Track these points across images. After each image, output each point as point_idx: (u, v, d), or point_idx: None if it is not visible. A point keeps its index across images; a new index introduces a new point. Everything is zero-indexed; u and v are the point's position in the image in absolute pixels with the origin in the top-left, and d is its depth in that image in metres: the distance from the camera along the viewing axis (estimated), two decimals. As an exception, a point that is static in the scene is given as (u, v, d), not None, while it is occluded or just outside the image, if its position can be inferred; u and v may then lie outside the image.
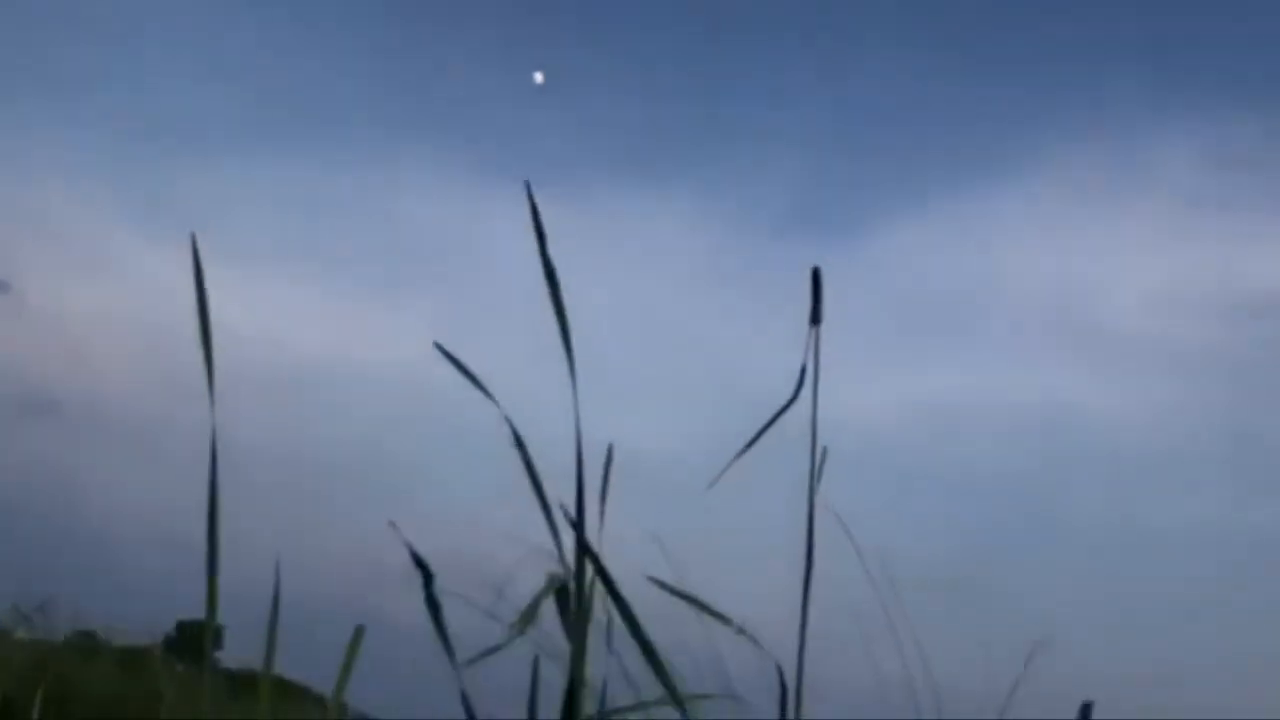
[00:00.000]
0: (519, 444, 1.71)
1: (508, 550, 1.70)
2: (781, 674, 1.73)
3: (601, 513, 1.72)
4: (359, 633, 1.61)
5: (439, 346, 1.79)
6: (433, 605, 1.50)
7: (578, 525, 1.59)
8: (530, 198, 1.67)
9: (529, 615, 1.52)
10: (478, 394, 1.73)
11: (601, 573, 1.59)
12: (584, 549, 1.57)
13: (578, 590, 1.60)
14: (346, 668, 1.61)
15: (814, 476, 1.81)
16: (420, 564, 1.49)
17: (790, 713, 1.71)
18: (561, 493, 1.68)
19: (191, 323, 1.69)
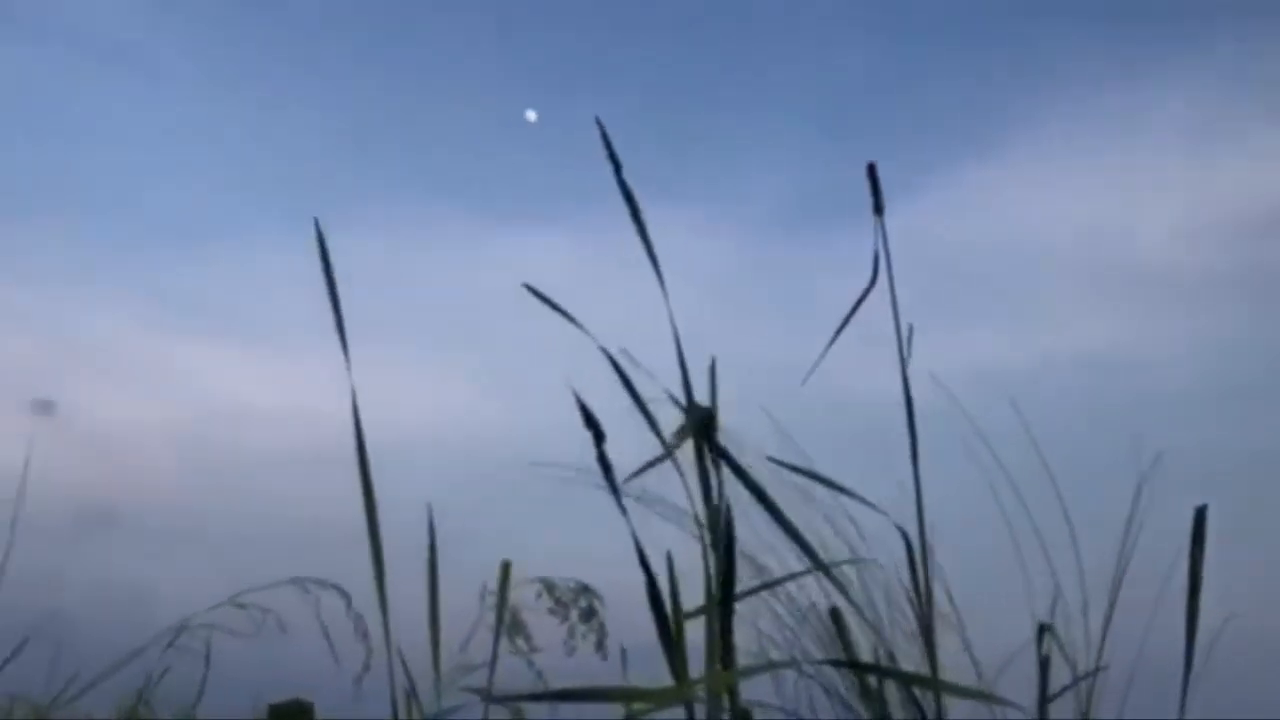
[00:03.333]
0: (618, 369, 1.78)
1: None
2: (905, 535, 1.84)
3: (714, 415, 1.82)
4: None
5: (529, 287, 1.83)
6: (604, 464, 1.60)
7: (689, 408, 1.68)
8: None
9: (683, 434, 1.61)
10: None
11: (722, 453, 1.69)
12: (701, 430, 1.67)
13: (701, 474, 1.70)
14: None
15: (904, 351, 1.94)
16: (592, 423, 1.59)
17: (920, 570, 1.82)
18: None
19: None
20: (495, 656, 1.94)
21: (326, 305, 1.72)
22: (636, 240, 1.84)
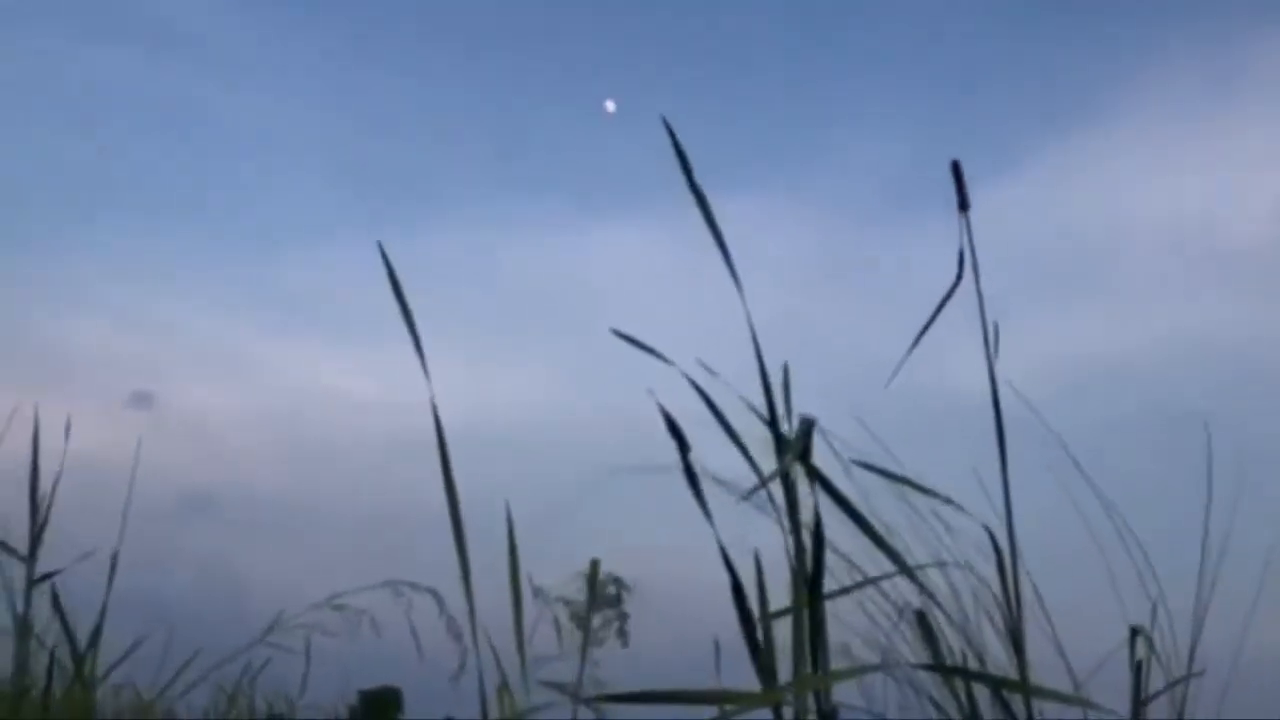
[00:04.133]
0: (702, 394, 1.78)
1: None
2: (994, 538, 1.82)
3: (789, 418, 1.82)
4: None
5: (617, 331, 1.84)
6: (690, 474, 1.61)
7: (771, 422, 1.69)
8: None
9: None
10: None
11: (816, 473, 1.69)
12: (781, 438, 1.68)
13: (785, 480, 1.71)
14: None
15: (990, 350, 1.91)
16: (677, 433, 1.61)
17: (1009, 572, 1.80)
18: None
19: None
20: (585, 656, 1.97)
21: (401, 316, 1.76)
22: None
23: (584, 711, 1.91)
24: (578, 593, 2.17)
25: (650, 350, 1.82)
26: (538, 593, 2.14)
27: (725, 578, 1.78)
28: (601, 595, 2.16)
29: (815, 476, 1.74)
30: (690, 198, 1.87)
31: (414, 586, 1.99)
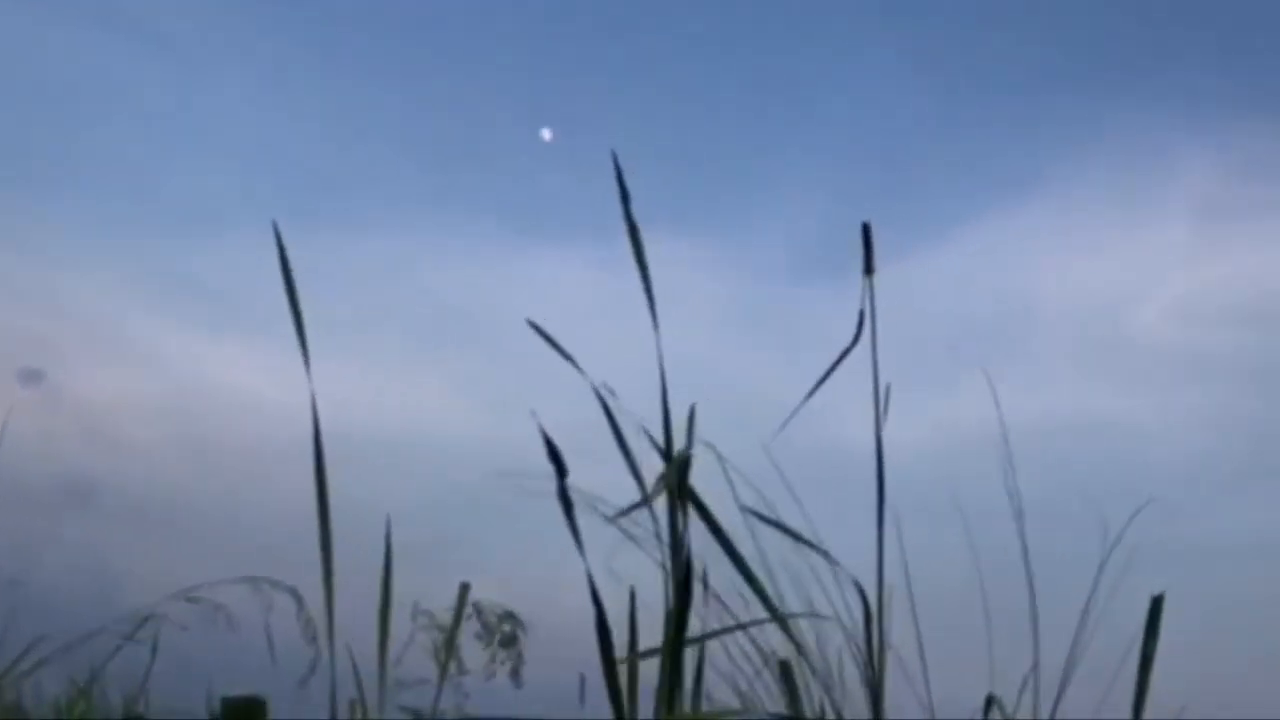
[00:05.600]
0: (606, 410, 1.79)
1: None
2: (863, 592, 1.85)
3: (688, 466, 1.82)
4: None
5: (532, 323, 1.85)
6: (565, 500, 1.60)
7: (667, 454, 1.70)
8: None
9: (658, 489, 1.62)
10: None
11: (693, 498, 1.70)
12: (677, 477, 1.68)
13: (671, 517, 1.71)
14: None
15: (879, 411, 1.95)
16: (556, 457, 1.60)
17: (874, 628, 1.83)
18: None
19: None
20: (443, 679, 1.94)
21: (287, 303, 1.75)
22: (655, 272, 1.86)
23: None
24: (466, 620, 2.15)
25: (560, 350, 1.81)
26: (416, 615, 2.11)
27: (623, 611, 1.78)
28: (498, 633, 2.14)
29: (697, 508, 1.74)
30: (623, 229, 1.87)
31: (274, 584, 1.95)
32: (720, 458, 1.89)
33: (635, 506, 1.58)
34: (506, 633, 2.14)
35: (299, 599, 1.94)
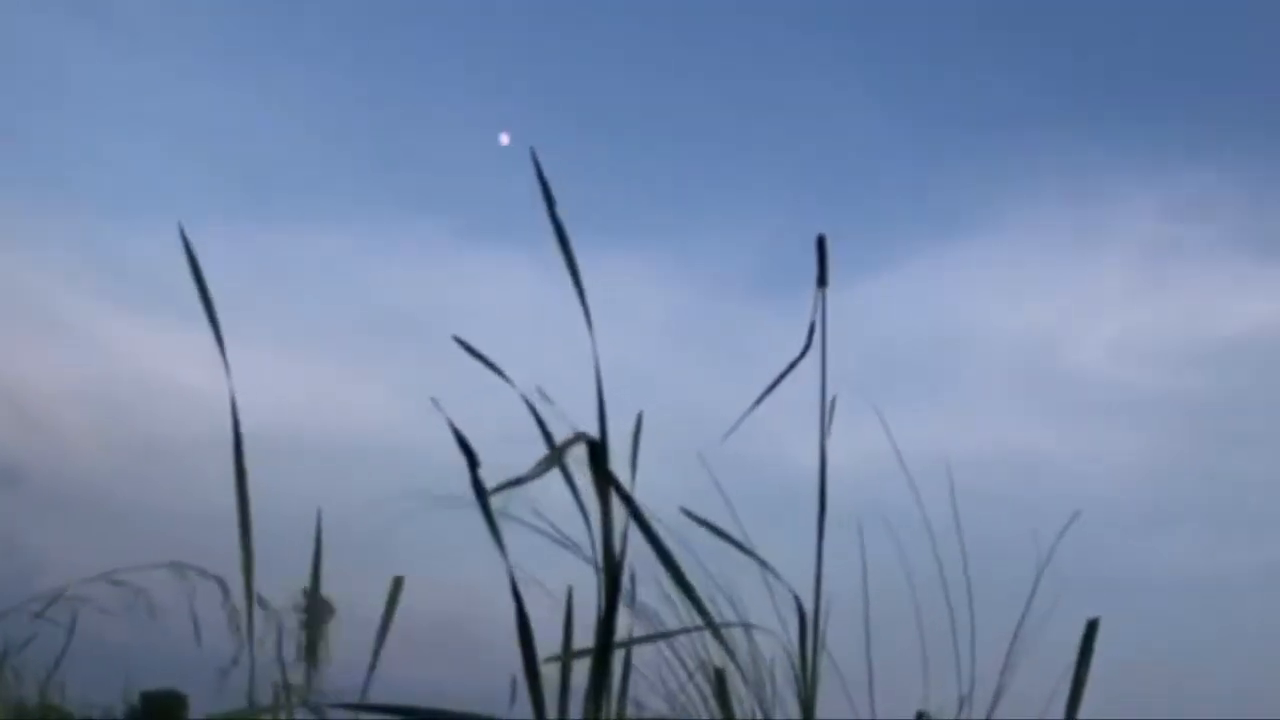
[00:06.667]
0: (535, 415, 1.76)
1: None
2: (800, 605, 1.84)
3: (633, 476, 1.80)
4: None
5: (458, 339, 1.82)
6: (479, 490, 1.56)
7: (599, 455, 1.65)
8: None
9: (554, 459, 1.58)
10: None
11: (628, 500, 1.67)
12: (606, 478, 1.64)
13: (604, 521, 1.68)
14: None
15: (824, 423, 1.95)
16: (465, 448, 1.56)
17: (809, 640, 1.82)
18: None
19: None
20: (374, 666, 1.90)
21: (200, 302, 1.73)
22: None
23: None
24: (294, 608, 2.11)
25: (489, 363, 1.79)
26: (264, 604, 2.07)
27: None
28: (302, 614, 2.10)
29: (616, 490, 1.71)
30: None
31: (202, 572, 1.91)
32: (661, 460, 1.87)
33: (520, 480, 1.53)
34: (310, 613, 2.10)
35: (225, 588, 1.90)
